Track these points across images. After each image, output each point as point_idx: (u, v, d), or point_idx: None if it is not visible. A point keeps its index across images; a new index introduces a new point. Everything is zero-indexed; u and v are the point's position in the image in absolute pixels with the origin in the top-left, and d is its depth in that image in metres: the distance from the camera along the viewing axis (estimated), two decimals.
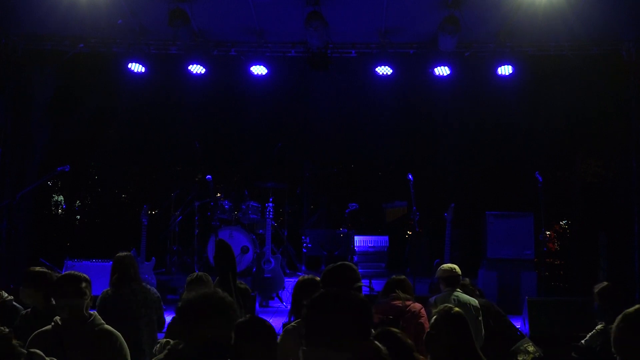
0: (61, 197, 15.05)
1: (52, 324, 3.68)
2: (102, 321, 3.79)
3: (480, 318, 5.55)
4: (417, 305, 5.07)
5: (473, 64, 10.62)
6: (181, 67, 10.45)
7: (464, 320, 3.47)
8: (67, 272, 3.87)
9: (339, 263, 3.98)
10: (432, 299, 5.66)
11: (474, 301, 5.64)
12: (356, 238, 11.10)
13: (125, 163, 14.17)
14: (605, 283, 5.73)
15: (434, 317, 3.50)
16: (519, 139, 12.22)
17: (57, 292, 3.69)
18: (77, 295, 3.69)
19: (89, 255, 9.94)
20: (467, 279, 6.27)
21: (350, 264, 4.04)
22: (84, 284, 3.74)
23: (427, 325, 4.97)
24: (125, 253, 5.49)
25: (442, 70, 10.20)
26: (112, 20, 9.37)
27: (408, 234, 12.11)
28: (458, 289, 5.70)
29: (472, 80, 11.19)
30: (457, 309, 3.56)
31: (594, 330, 5.47)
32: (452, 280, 5.71)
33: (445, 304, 3.69)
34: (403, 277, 5.38)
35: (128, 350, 3.84)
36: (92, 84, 11.51)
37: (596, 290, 5.63)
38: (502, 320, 6.04)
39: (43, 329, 3.68)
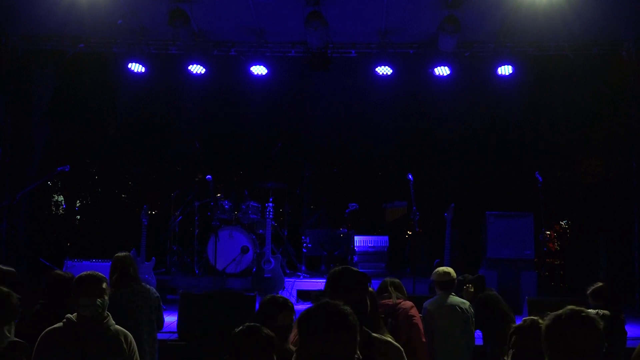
0: (61, 197, 15.05)
1: (64, 321, 3.70)
2: (113, 321, 3.84)
3: (472, 319, 5.60)
4: (408, 304, 5.11)
5: (473, 64, 10.62)
6: (181, 67, 10.46)
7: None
8: (89, 271, 3.90)
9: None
10: (426, 304, 5.64)
11: (464, 303, 5.65)
12: (356, 238, 11.08)
13: (125, 163, 14.16)
14: (599, 284, 5.66)
15: (553, 318, 3.07)
16: (519, 139, 12.22)
17: (82, 291, 3.73)
18: (101, 294, 3.74)
19: (89, 255, 9.94)
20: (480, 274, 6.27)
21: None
22: (104, 284, 3.82)
23: (416, 321, 5.03)
24: (124, 253, 5.48)
25: (442, 70, 10.20)
26: (112, 20, 9.37)
27: (408, 234, 12.08)
28: (452, 293, 5.70)
29: (472, 80, 11.19)
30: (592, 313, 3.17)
31: None
32: (447, 284, 5.65)
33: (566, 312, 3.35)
34: (397, 280, 5.39)
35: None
36: (92, 84, 11.52)
37: (589, 291, 5.56)
38: (505, 321, 6.00)
39: (54, 326, 3.71)
